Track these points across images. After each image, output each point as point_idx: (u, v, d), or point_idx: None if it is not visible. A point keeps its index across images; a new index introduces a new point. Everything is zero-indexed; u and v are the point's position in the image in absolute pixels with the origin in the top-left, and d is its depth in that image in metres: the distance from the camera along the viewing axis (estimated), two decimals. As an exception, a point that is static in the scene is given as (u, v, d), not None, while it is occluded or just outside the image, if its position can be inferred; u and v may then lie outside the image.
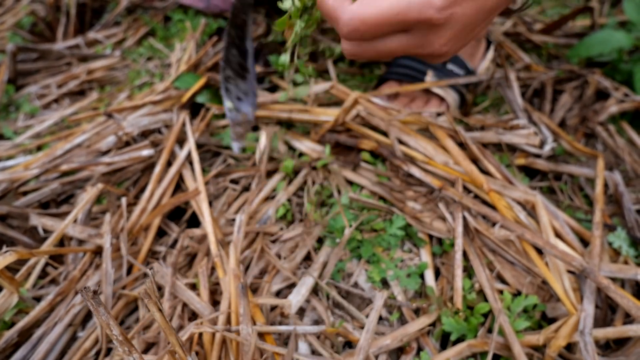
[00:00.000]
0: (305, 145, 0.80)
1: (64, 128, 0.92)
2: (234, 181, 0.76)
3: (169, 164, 0.75)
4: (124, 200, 0.64)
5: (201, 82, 0.87)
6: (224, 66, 0.83)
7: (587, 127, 0.86)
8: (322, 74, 1.04)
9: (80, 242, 0.64)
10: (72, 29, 1.21)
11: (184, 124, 0.79)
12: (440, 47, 0.44)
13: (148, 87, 1.04)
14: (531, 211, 0.68)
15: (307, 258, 0.67)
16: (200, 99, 0.86)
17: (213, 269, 0.61)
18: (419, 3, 0.40)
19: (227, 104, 0.80)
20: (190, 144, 0.73)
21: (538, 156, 0.80)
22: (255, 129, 0.87)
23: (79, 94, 1.04)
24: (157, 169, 0.70)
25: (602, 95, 0.93)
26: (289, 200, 0.73)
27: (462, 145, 0.75)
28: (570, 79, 0.94)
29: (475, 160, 0.74)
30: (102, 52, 1.15)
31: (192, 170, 0.74)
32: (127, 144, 0.76)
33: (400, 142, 0.77)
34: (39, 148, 0.86)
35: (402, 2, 0.40)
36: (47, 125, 0.91)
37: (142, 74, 1.09)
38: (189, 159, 0.76)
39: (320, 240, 0.68)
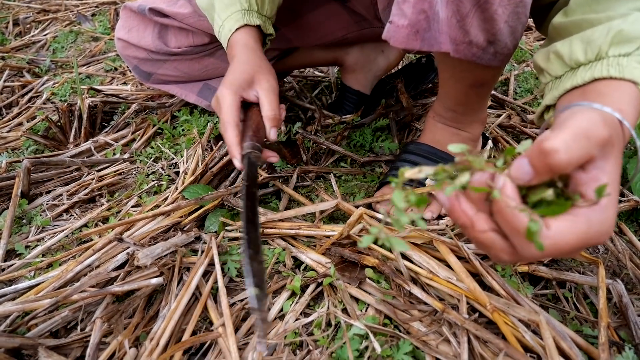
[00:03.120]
0: (310, 258, 0.82)
1: (74, 240, 0.94)
2: (247, 303, 0.77)
3: (180, 287, 0.77)
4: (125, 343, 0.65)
5: (214, 203, 0.89)
6: (248, 244, 0.61)
7: (587, 228, 0.87)
8: (325, 176, 1.07)
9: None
10: (84, 132, 1.26)
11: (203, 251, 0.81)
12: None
13: (155, 191, 1.07)
14: (537, 329, 0.69)
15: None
16: (211, 226, 0.89)
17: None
18: (602, 234, 0.41)
19: (252, 290, 0.56)
20: (219, 283, 0.75)
21: (541, 262, 0.81)
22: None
23: (89, 201, 1.07)
24: (173, 305, 0.71)
25: (598, 192, 0.95)
26: (297, 319, 0.74)
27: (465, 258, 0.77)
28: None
29: (478, 274, 0.75)
30: (111, 156, 1.19)
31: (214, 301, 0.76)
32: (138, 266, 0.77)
33: (404, 256, 0.78)
34: (50, 265, 0.88)
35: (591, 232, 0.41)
36: (57, 239, 0.94)
37: (149, 178, 1.12)
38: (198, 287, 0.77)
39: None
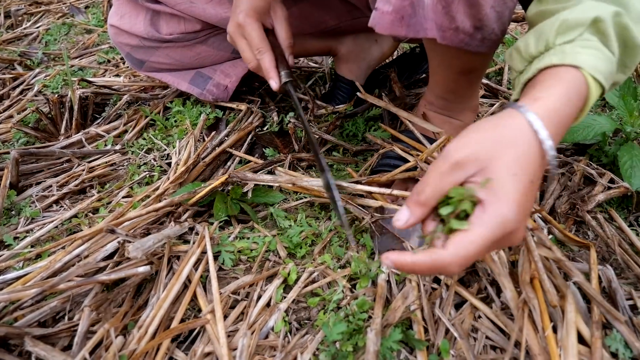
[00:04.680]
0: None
1: (63, 231, 0.94)
2: (234, 292, 0.77)
3: (169, 278, 0.76)
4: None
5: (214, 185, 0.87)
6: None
7: (577, 215, 0.87)
8: (315, 164, 1.07)
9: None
10: (75, 123, 1.25)
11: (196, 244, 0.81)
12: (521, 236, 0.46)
13: (147, 182, 1.06)
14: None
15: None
16: (220, 213, 0.88)
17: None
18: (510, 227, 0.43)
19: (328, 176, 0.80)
20: (211, 269, 0.75)
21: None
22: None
23: (79, 192, 1.06)
24: (163, 293, 0.71)
25: (589, 179, 0.95)
26: (293, 301, 0.74)
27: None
28: (557, 166, 0.96)
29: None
30: (102, 147, 1.19)
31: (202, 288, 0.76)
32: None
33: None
34: (39, 256, 0.87)
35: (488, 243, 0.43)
36: (47, 229, 0.93)
37: (141, 169, 1.12)
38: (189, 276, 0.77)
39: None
